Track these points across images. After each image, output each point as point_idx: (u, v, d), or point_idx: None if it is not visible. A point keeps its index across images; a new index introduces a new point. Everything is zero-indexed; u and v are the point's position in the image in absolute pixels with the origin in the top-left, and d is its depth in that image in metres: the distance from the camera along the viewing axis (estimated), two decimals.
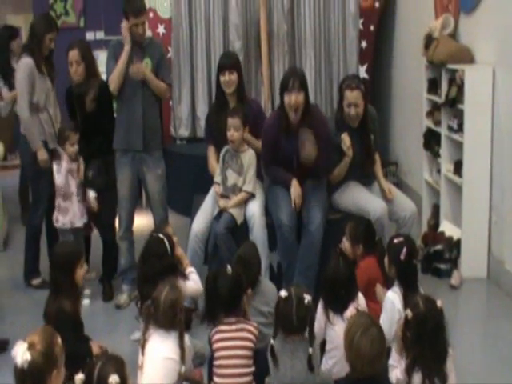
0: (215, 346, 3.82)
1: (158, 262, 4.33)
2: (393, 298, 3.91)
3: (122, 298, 5.56)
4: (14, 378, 2.88)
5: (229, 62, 5.55)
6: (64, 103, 5.85)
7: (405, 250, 4.00)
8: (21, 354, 2.86)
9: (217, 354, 3.81)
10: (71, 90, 5.73)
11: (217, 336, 3.82)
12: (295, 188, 5.18)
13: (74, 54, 5.56)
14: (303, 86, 5.15)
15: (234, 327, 3.81)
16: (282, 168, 5.29)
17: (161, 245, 4.42)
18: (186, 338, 3.85)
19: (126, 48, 5.45)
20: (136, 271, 4.66)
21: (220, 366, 3.78)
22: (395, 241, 4.12)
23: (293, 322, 3.55)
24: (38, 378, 2.89)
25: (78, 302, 4.35)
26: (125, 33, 5.45)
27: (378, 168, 5.61)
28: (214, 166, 5.54)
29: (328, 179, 5.38)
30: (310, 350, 3.57)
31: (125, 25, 5.45)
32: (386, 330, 3.56)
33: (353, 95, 5.18)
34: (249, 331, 3.80)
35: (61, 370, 3.07)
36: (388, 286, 4.23)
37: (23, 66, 5.66)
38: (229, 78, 5.48)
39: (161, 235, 4.48)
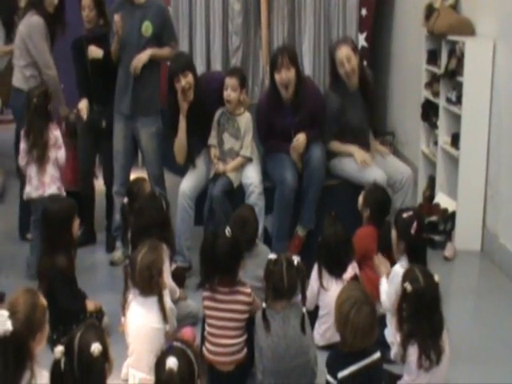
0: (206, 312, 3.80)
1: (155, 215, 4.38)
2: (400, 272, 3.68)
3: (117, 254, 5.52)
4: None
5: (181, 64, 5.19)
6: (70, 61, 5.79)
7: (415, 224, 3.94)
8: (2, 323, 2.71)
9: (208, 321, 3.80)
10: (81, 40, 5.69)
11: (207, 303, 3.79)
12: (295, 150, 5.20)
13: None
14: (293, 62, 5.11)
15: (227, 297, 3.75)
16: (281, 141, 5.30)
17: (157, 200, 4.50)
18: (167, 298, 3.82)
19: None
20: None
21: (211, 334, 3.78)
22: (404, 215, 4.01)
23: (283, 285, 3.52)
24: (21, 345, 2.77)
25: (73, 258, 4.36)
26: (117, 27, 5.31)
27: (370, 136, 5.67)
28: None
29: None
30: (304, 309, 3.56)
31: (117, 18, 5.30)
32: (389, 303, 3.57)
33: (342, 52, 5.22)
34: (242, 293, 3.75)
35: (44, 330, 3.02)
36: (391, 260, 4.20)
37: (38, 27, 5.54)
38: (185, 82, 5.11)
39: (157, 192, 4.61)
